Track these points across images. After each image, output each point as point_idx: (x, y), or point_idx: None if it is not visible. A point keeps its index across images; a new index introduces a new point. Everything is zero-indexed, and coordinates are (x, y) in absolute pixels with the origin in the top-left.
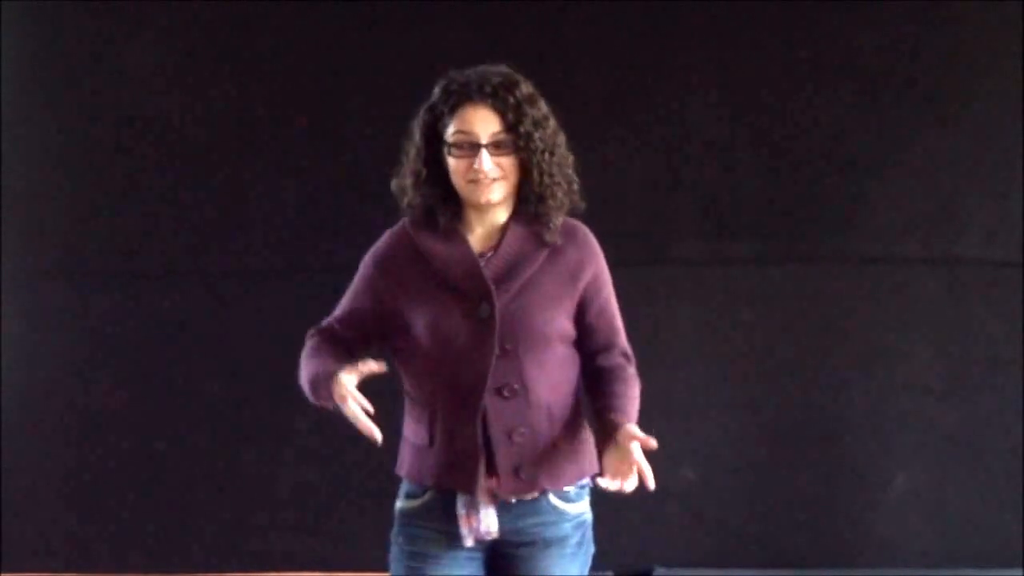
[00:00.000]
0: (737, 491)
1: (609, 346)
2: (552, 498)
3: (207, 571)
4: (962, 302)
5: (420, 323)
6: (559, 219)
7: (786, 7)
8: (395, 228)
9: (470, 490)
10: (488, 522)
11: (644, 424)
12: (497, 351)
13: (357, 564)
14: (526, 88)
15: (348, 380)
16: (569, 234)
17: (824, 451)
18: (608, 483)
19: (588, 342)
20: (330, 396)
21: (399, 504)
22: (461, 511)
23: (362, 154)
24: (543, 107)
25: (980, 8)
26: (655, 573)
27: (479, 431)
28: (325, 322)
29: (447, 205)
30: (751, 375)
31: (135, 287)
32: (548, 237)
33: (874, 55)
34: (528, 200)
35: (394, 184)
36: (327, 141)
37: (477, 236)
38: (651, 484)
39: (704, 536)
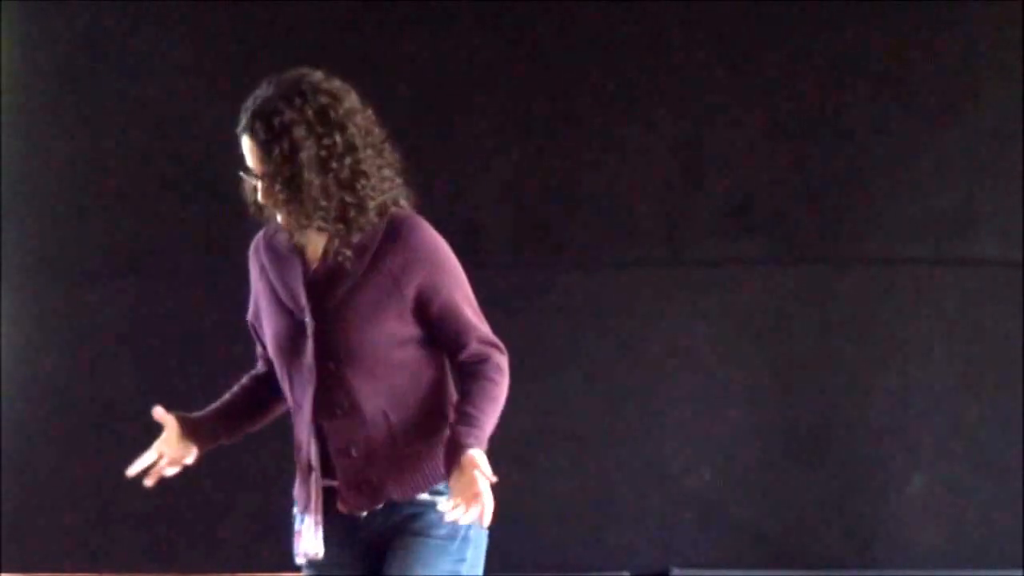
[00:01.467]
0: (754, 491)
1: (461, 344)
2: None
3: (211, 571)
4: (979, 303)
5: (266, 337)
6: (349, 237)
7: (803, 8)
8: (255, 238)
9: (306, 508)
10: (313, 544)
11: (654, 423)
12: (318, 370)
13: None
14: (289, 114)
15: (168, 429)
16: (391, 235)
17: (841, 452)
18: (445, 507)
19: (441, 341)
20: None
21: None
22: (298, 527)
23: None
24: (301, 131)
25: (995, 9)
26: (671, 573)
27: (313, 449)
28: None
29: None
30: (768, 375)
31: (141, 286)
32: (352, 251)
33: (890, 56)
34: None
35: (243, 190)
36: None
37: (310, 252)
38: (486, 521)
39: (720, 536)
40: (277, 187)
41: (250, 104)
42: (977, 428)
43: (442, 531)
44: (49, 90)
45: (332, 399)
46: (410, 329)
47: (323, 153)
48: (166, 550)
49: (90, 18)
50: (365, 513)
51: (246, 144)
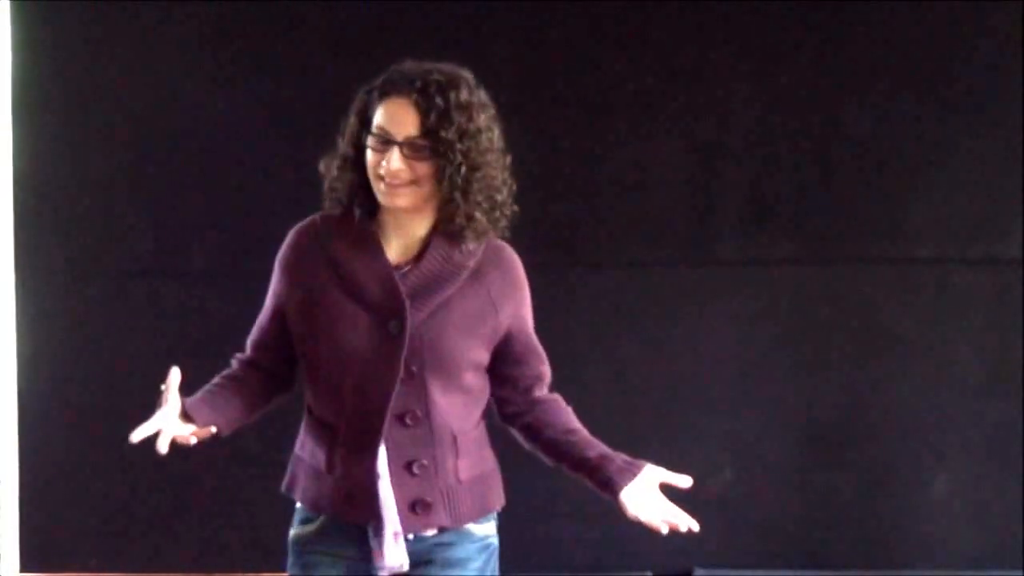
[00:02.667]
0: (776, 492)
1: (542, 380)
2: None
3: (218, 572)
4: (1002, 302)
5: (323, 334)
6: (477, 242)
7: (827, 7)
8: (302, 225)
9: (371, 521)
10: (397, 556)
11: (677, 423)
12: (403, 373)
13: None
14: (466, 95)
15: (171, 404)
16: (494, 258)
17: (864, 452)
18: (652, 522)
19: (516, 374)
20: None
21: (293, 531)
22: (373, 545)
23: None
24: (481, 119)
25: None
26: (695, 573)
27: (377, 463)
28: (249, 350)
29: (365, 200)
30: (791, 375)
31: (167, 285)
32: (460, 259)
33: (916, 55)
34: (446, 216)
35: (322, 163)
36: (329, 141)
37: (393, 247)
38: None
39: (743, 537)
40: (443, 158)
41: (414, 70)
42: (1002, 429)
43: (477, 563)
44: (60, 90)
45: (408, 407)
46: (485, 355)
47: (490, 151)
48: (184, 549)
49: (102, 18)
50: (411, 536)
51: (398, 106)
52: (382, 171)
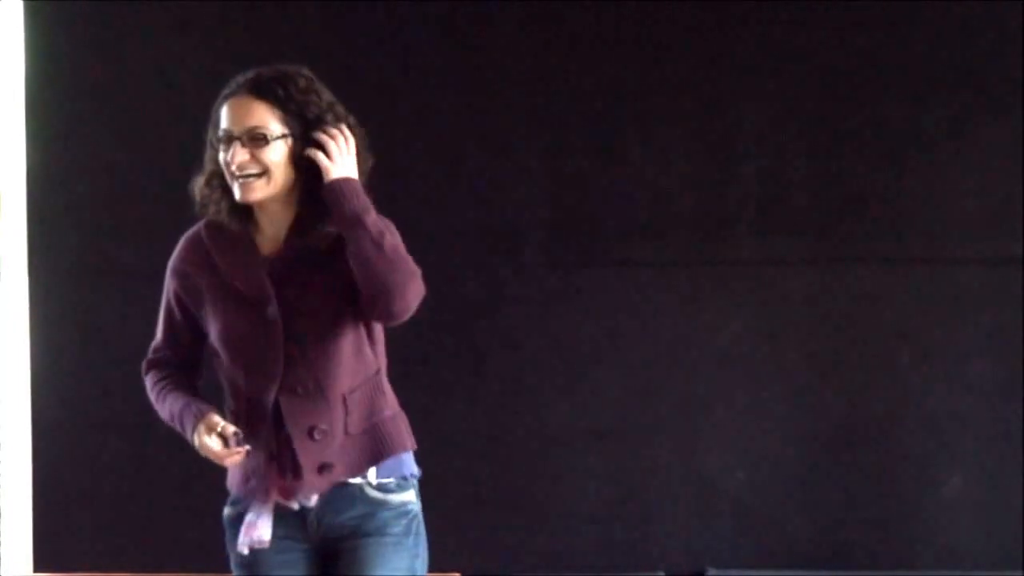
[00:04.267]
0: (789, 492)
1: None
2: (368, 490)
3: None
4: (1016, 302)
5: (214, 330)
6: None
7: (837, 6)
8: (190, 233)
9: (263, 498)
10: (263, 531)
11: (689, 423)
12: (286, 351)
13: None
14: (304, 83)
15: (208, 431)
16: None
17: (877, 452)
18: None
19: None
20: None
21: (225, 511)
22: (250, 517)
23: (380, 156)
24: (324, 100)
25: None
26: (707, 574)
27: (272, 435)
28: (153, 353)
29: (235, 207)
30: (803, 376)
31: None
32: (315, 237)
33: (927, 54)
34: (303, 200)
35: (193, 186)
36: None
37: (267, 238)
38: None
39: (756, 537)
40: (300, 149)
41: (251, 73)
42: (1017, 429)
43: (397, 529)
44: (72, 90)
45: (298, 381)
46: (353, 308)
47: (351, 121)
48: (197, 549)
49: (113, 18)
50: (314, 501)
51: (236, 104)
52: (234, 168)
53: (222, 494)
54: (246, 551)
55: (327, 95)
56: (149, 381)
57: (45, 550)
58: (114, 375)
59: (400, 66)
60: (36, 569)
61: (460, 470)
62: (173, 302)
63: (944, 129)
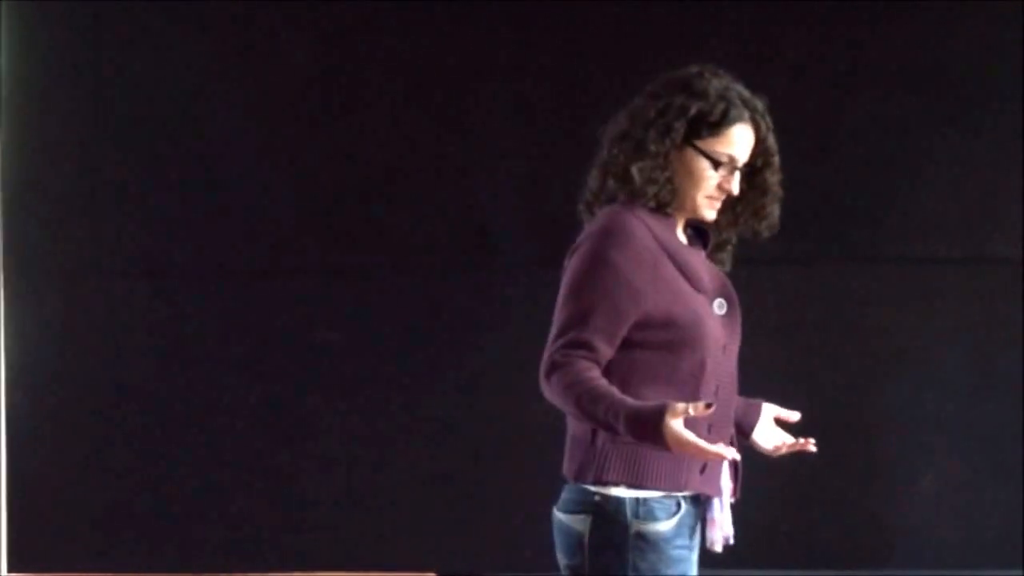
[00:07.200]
0: (768, 491)
1: None
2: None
3: (224, 571)
4: (993, 302)
5: (681, 320)
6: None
7: (823, 8)
8: (626, 217)
9: (719, 492)
10: (727, 526)
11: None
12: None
13: (375, 562)
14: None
15: (677, 426)
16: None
17: (854, 451)
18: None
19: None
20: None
21: (655, 527)
22: (714, 515)
23: (363, 155)
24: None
25: (1015, 8)
26: None
27: (732, 427)
28: (585, 347)
29: (666, 204)
30: (782, 375)
31: (157, 286)
32: (726, 251)
33: (909, 54)
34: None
35: (635, 168)
36: (331, 141)
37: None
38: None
39: (740, 537)
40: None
41: (746, 95)
42: (992, 428)
43: None
44: (53, 88)
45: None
46: None
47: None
48: (173, 550)
49: (95, 16)
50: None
51: (744, 133)
52: (718, 192)
53: (195, 494)
54: (719, 548)
55: None
56: (575, 374)
57: (20, 551)
58: (88, 376)
59: (382, 62)
60: (11, 570)
61: (440, 468)
62: (632, 289)
63: (925, 130)
